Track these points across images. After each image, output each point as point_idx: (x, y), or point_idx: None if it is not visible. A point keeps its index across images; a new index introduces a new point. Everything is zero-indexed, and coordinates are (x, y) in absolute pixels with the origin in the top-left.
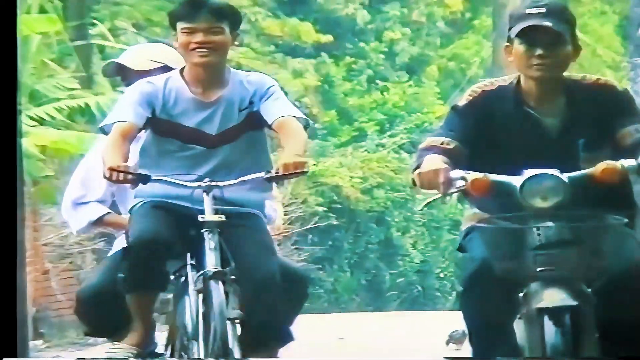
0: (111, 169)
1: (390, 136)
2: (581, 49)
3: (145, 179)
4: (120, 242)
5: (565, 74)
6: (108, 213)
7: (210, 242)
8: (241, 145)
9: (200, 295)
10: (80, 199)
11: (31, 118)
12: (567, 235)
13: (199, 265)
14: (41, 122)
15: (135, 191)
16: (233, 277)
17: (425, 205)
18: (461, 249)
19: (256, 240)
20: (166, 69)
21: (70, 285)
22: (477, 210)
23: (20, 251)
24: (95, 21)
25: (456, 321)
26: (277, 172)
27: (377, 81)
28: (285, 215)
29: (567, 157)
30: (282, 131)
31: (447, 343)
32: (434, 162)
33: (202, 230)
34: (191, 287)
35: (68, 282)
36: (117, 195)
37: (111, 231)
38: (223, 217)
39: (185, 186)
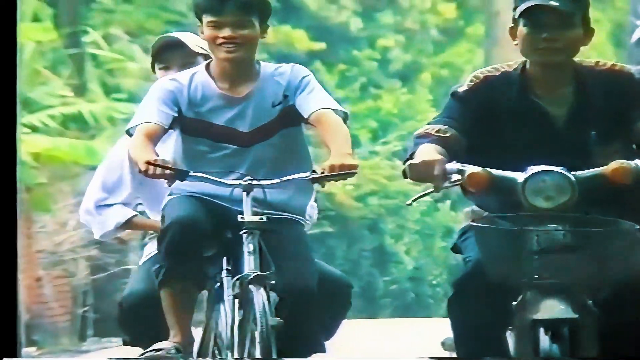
0: (149, 163)
1: (384, 143)
2: (593, 31)
3: (184, 175)
4: (152, 247)
5: (575, 59)
6: (135, 215)
7: (249, 245)
8: (277, 143)
9: (237, 301)
10: (103, 201)
11: (24, 125)
12: (570, 240)
13: (234, 270)
14: (34, 129)
15: (169, 190)
16: (273, 282)
17: (416, 200)
18: (456, 249)
19: (295, 251)
20: (207, 59)
21: (63, 292)
22: (475, 208)
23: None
24: (88, 29)
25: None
26: (322, 173)
27: (370, 88)
28: None
29: (575, 152)
30: (321, 126)
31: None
32: (428, 152)
33: (241, 232)
34: (227, 293)
35: (61, 289)
36: (144, 197)
37: (127, 237)
38: (264, 218)
39: (224, 184)
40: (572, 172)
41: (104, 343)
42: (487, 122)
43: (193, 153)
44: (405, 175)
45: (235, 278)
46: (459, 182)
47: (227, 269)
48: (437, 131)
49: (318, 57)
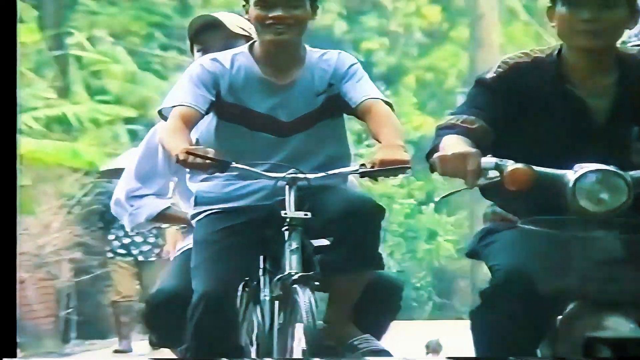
0: (189, 152)
1: (368, 146)
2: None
3: (225, 166)
4: (185, 242)
5: (618, 44)
6: (168, 207)
7: (291, 242)
8: (317, 134)
9: (277, 303)
10: (135, 191)
11: None
12: (630, 248)
13: (273, 269)
14: (18, 131)
15: (195, 190)
16: (317, 283)
17: (446, 197)
18: (474, 255)
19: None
20: (249, 40)
21: (46, 295)
22: (497, 209)
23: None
24: (72, 31)
25: (433, 331)
26: (372, 167)
27: None
28: None
29: (616, 149)
30: (370, 117)
31: (426, 353)
32: (456, 144)
33: (283, 229)
34: (264, 294)
35: (44, 291)
36: (178, 188)
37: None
38: (309, 215)
39: (266, 177)
40: (628, 173)
41: (87, 345)
42: (516, 113)
43: (227, 139)
44: (432, 169)
45: (276, 278)
46: (496, 179)
47: (263, 268)
48: (463, 122)
49: None
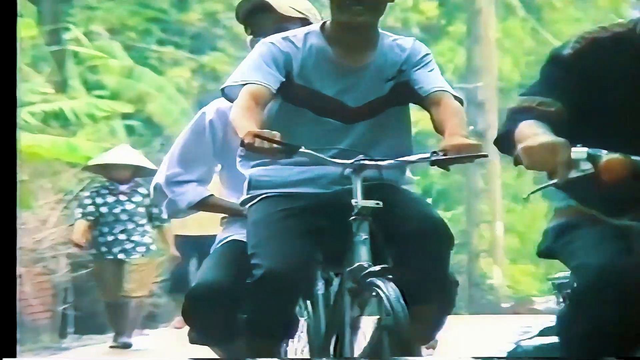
0: (256, 135)
1: None
2: None
3: (294, 150)
4: (226, 233)
5: None
6: (211, 195)
7: (361, 233)
8: (382, 122)
9: (348, 297)
10: (177, 177)
11: None
12: None
13: (326, 262)
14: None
15: (248, 175)
16: (390, 276)
17: (535, 192)
18: (550, 254)
19: (408, 197)
20: (305, 23)
21: (43, 290)
22: (573, 203)
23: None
24: (70, 26)
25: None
26: (444, 154)
27: None
28: None
29: None
30: (439, 107)
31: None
32: (539, 132)
33: (351, 218)
34: (321, 289)
35: (42, 286)
36: (223, 174)
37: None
38: (380, 204)
39: (333, 163)
40: None
41: (84, 340)
42: (594, 93)
43: (292, 123)
44: (516, 162)
45: (347, 270)
46: (589, 171)
47: (318, 260)
48: (540, 104)
49: None
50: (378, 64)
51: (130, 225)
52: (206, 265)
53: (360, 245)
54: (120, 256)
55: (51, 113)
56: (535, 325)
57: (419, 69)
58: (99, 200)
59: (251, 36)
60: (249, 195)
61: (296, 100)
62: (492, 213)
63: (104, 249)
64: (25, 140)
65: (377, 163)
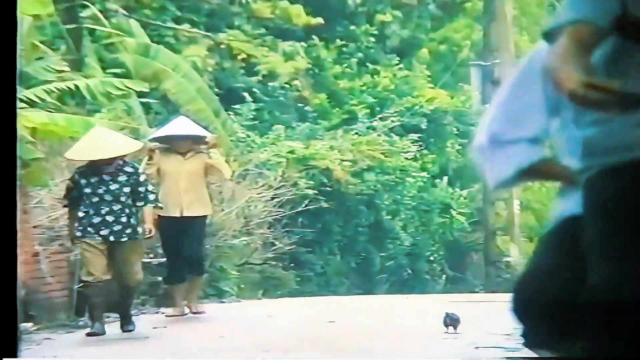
0: (587, 85)
1: (381, 119)
2: None
3: (636, 103)
4: (562, 206)
5: None
6: (544, 159)
7: None
8: None
9: None
10: (504, 135)
11: (21, 100)
12: None
13: None
14: (31, 104)
15: (582, 137)
16: None
17: None
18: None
19: None
20: None
21: (60, 268)
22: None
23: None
24: (86, 3)
25: (446, 304)
26: None
27: (368, 64)
28: (275, 198)
29: None
30: None
31: (446, 326)
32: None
33: None
34: None
35: (58, 264)
36: (558, 132)
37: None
38: None
39: None
40: None
41: None
42: None
43: (629, 69)
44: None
45: None
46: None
47: None
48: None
49: (316, 32)
50: None
51: (116, 207)
52: (537, 251)
53: None
54: (111, 238)
55: (67, 91)
56: None
57: None
58: (82, 181)
59: None
60: (582, 165)
61: (633, 37)
62: (508, 191)
63: (91, 230)
64: (41, 119)
65: None
